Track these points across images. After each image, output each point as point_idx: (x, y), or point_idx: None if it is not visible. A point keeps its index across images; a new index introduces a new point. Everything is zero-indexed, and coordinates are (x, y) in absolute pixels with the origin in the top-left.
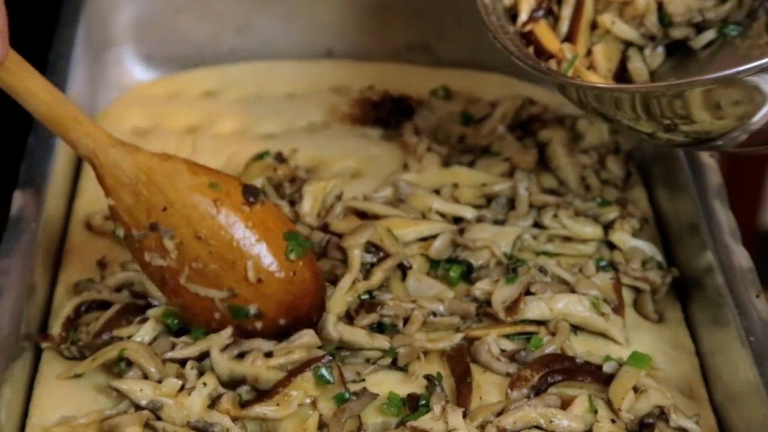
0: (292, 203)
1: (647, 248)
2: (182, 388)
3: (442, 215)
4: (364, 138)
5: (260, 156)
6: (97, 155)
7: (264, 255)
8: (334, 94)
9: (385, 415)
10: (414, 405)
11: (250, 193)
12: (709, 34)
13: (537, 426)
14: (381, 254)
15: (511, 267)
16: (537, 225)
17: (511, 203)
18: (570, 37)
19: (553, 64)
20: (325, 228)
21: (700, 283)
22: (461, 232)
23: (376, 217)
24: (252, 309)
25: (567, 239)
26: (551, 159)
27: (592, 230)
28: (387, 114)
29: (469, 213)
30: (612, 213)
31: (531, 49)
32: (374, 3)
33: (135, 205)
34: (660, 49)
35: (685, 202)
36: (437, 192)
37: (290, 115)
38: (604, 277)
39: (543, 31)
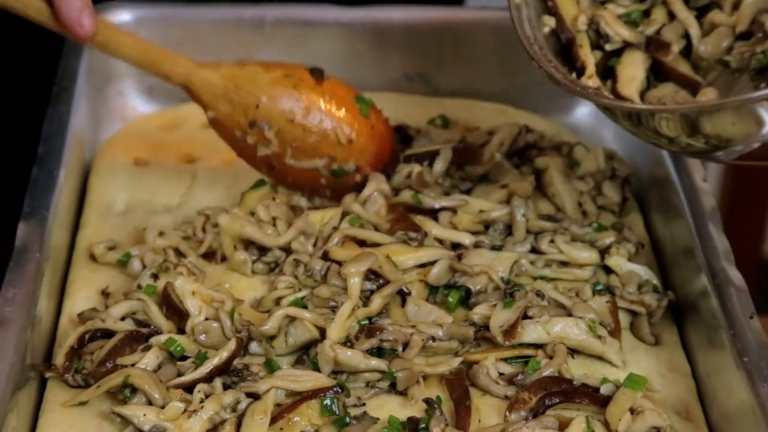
0: None
1: (643, 272)
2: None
3: (441, 241)
4: None
5: (257, 185)
6: (189, 79)
7: (346, 119)
8: None
9: None
10: (414, 428)
11: (317, 73)
12: None
13: None
14: (380, 281)
15: (508, 292)
16: (534, 250)
17: (509, 229)
18: None
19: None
20: (325, 256)
21: (696, 306)
22: (459, 258)
23: (375, 245)
24: (350, 166)
25: (564, 264)
26: (548, 186)
27: (588, 255)
28: None
29: (467, 239)
30: (608, 238)
31: (573, 75)
32: (372, 34)
33: (232, 110)
34: None
35: (680, 227)
36: (435, 218)
37: None
38: (601, 300)
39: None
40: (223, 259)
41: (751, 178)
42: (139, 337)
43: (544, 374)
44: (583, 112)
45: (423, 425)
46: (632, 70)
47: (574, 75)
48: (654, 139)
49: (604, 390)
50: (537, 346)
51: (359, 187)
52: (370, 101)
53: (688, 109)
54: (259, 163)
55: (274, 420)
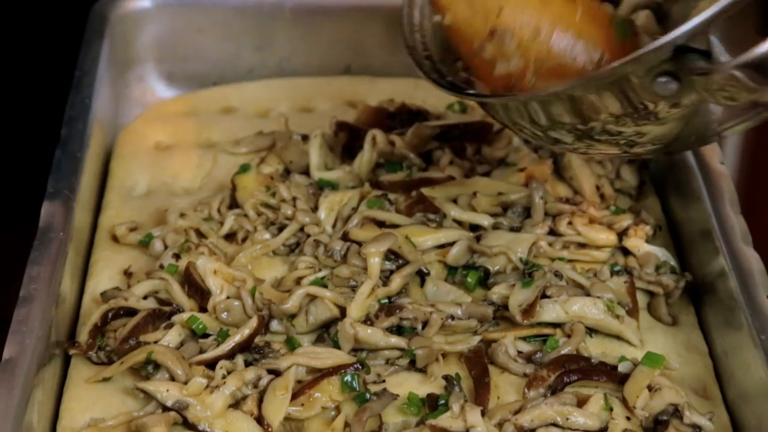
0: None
1: (661, 253)
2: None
3: (459, 223)
4: None
5: (243, 168)
6: None
7: (599, 42)
8: (352, 109)
9: (405, 415)
10: (433, 404)
11: None
12: None
13: (554, 423)
14: (400, 261)
15: (527, 272)
16: (552, 232)
17: (527, 212)
18: None
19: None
20: (344, 236)
21: (713, 287)
22: (478, 239)
23: (394, 226)
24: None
25: (582, 246)
26: (566, 169)
27: (606, 237)
28: (402, 124)
29: (485, 221)
30: (626, 220)
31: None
32: (392, 20)
33: (472, 15)
34: None
35: (697, 210)
36: (455, 201)
37: (308, 128)
38: (618, 281)
39: None
40: (244, 239)
41: None
42: (162, 315)
43: (562, 352)
44: None
45: (442, 402)
46: None
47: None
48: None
49: (622, 368)
50: (555, 325)
51: None
52: (629, 23)
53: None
54: (494, 82)
55: (295, 396)
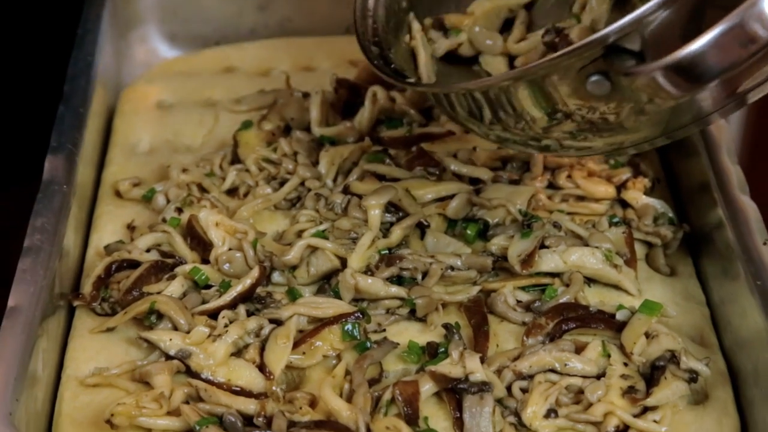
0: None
1: (659, 205)
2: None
3: (459, 177)
4: None
5: (245, 125)
6: None
7: None
8: (353, 68)
9: (405, 363)
10: (433, 352)
11: None
12: None
13: (552, 370)
14: (400, 214)
15: (525, 223)
16: (551, 186)
17: (526, 165)
18: None
19: None
20: (345, 190)
21: (711, 238)
22: (477, 192)
23: (394, 179)
24: None
25: (580, 198)
26: None
27: (605, 189)
28: None
29: (485, 174)
30: (625, 173)
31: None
32: None
33: None
34: None
35: (695, 163)
36: (455, 156)
37: (309, 87)
38: (617, 231)
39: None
40: (246, 195)
41: None
42: (165, 267)
43: (560, 301)
44: None
45: (442, 350)
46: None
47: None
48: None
49: (620, 316)
50: (554, 275)
51: None
52: None
53: (478, 85)
54: None
55: (296, 345)
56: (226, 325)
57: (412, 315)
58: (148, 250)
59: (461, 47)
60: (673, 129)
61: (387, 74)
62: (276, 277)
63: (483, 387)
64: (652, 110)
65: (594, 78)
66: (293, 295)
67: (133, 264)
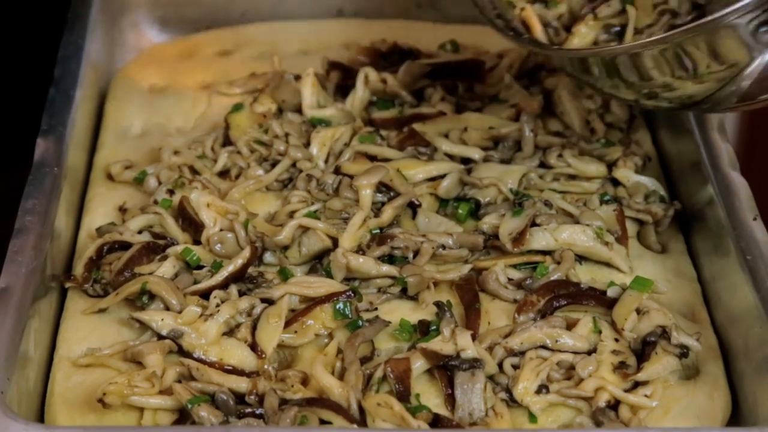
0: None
1: (650, 183)
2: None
3: (451, 157)
4: None
5: (236, 108)
6: None
7: None
8: (345, 50)
9: (397, 341)
10: (425, 330)
11: None
12: None
13: (543, 346)
14: (391, 194)
15: (517, 202)
16: (543, 165)
17: (518, 145)
18: None
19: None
20: (337, 170)
21: (702, 215)
22: (469, 172)
23: (385, 160)
24: None
25: (572, 177)
26: (556, 105)
27: (596, 168)
28: (393, 63)
29: (476, 154)
30: (616, 152)
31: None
32: None
33: None
34: None
35: (687, 142)
36: (446, 136)
37: (301, 70)
38: (608, 209)
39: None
40: (237, 176)
41: None
42: (156, 248)
43: (552, 279)
44: None
45: (434, 327)
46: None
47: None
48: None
49: (611, 293)
50: (545, 252)
51: None
52: None
53: (610, 52)
54: None
55: (288, 324)
56: (217, 305)
57: (404, 294)
58: (139, 232)
59: (561, 18)
60: None
61: (525, 42)
62: (268, 257)
63: (474, 364)
64: None
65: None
66: (285, 275)
67: (125, 246)
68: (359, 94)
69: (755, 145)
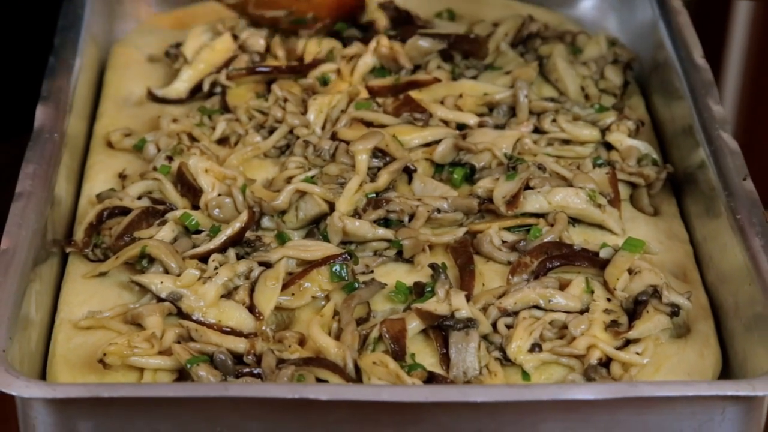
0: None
1: (643, 147)
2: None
3: (446, 123)
4: None
5: None
6: None
7: None
8: None
9: (393, 303)
10: (420, 292)
11: None
12: None
13: (536, 306)
14: (387, 159)
15: (511, 166)
16: (537, 131)
17: (512, 111)
18: None
19: None
20: (333, 136)
21: (694, 178)
22: (464, 138)
23: (381, 126)
24: (309, 17)
25: (566, 142)
26: (551, 72)
27: (590, 132)
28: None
29: (471, 119)
30: (609, 117)
31: None
32: None
33: None
34: None
35: (679, 107)
36: (442, 102)
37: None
38: (601, 172)
39: None
40: (236, 143)
41: None
42: (156, 212)
43: (545, 240)
44: (587, 4)
45: (429, 289)
46: None
47: None
48: None
49: (604, 254)
50: (539, 215)
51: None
52: None
53: None
54: (228, 6)
55: (285, 286)
56: (216, 268)
57: (400, 256)
58: (139, 198)
59: None
60: None
61: None
62: (265, 222)
63: (468, 323)
64: None
65: None
66: (282, 239)
67: (125, 211)
68: (367, 60)
69: (755, 119)
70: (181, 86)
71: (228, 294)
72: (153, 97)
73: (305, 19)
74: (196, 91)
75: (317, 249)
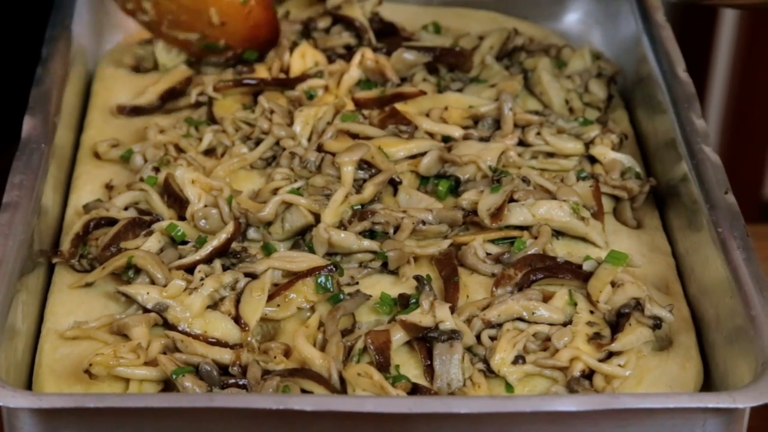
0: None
1: (626, 160)
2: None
3: (431, 135)
4: None
5: None
6: None
7: (220, 3)
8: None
9: (377, 314)
10: (405, 303)
11: None
12: None
13: (520, 318)
14: (373, 171)
15: (495, 178)
16: (522, 144)
17: (497, 124)
18: None
19: None
20: (319, 148)
21: (677, 191)
22: (449, 150)
23: (367, 138)
24: (221, 44)
25: (550, 155)
26: (536, 84)
27: (573, 146)
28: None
29: (456, 132)
30: (593, 131)
31: None
32: None
33: None
34: None
35: (662, 121)
36: (427, 115)
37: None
38: (584, 185)
39: None
40: (223, 155)
41: (752, 121)
42: (142, 223)
43: (529, 253)
44: (572, 18)
45: (413, 301)
46: None
47: None
48: None
49: (587, 266)
50: (523, 228)
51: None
52: None
53: None
54: (145, 23)
55: (271, 297)
56: (202, 279)
57: (385, 268)
58: (126, 208)
59: None
60: None
61: None
62: (251, 233)
63: (453, 335)
64: None
65: None
66: (268, 250)
67: (111, 222)
68: (352, 73)
69: (739, 133)
70: (151, 92)
71: (214, 305)
72: (122, 110)
73: (217, 46)
74: (167, 97)
75: (303, 260)
